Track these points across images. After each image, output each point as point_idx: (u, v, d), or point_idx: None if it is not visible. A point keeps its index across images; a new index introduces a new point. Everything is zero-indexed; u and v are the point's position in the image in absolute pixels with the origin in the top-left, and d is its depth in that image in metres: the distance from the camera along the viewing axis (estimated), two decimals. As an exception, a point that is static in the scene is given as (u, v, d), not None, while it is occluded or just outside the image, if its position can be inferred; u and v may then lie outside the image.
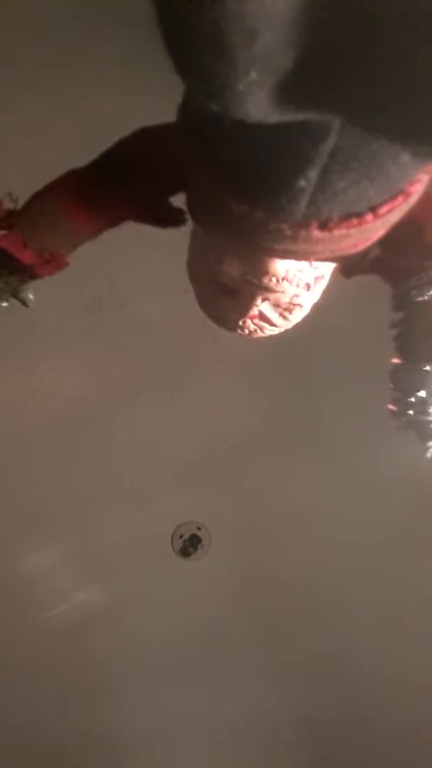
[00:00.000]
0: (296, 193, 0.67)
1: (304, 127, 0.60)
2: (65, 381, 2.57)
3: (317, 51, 0.51)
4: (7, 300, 1.03)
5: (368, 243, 0.80)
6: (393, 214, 0.74)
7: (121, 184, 0.94)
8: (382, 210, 0.72)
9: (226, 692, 2.86)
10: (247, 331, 0.93)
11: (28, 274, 0.99)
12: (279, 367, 2.47)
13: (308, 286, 0.86)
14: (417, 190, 0.74)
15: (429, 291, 0.99)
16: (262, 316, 0.89)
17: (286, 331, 0.95)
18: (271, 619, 2.79)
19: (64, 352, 2.52)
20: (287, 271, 0.82)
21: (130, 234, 1.01)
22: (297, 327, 0.95)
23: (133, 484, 2.65)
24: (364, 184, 0.67)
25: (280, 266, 0.81)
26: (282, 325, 0.93)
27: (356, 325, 2.12)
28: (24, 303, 1.04)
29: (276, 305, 0.88)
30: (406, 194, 0.73)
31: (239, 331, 0.94)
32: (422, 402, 1.05)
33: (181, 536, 2.75)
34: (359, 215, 0.71)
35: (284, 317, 0.91)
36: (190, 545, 2.75)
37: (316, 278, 0.86)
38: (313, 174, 0.65)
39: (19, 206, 0.98)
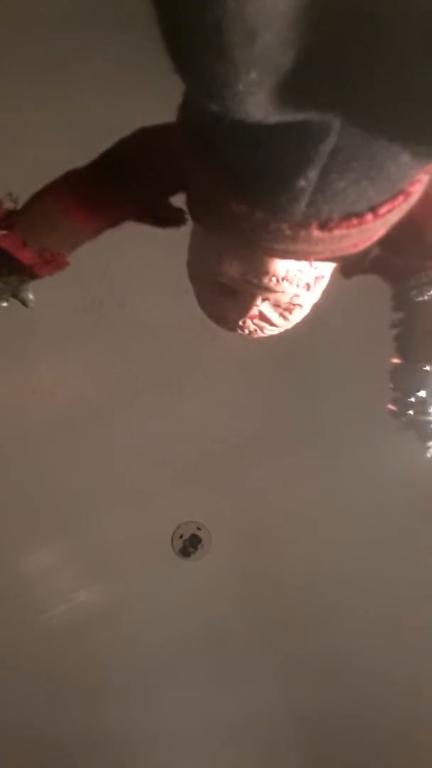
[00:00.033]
0: (296, 193, 0.67)
1: (304, 127, 0.60)
2: (65, 381, 2.57)
3: (317, 51, 0.51)
4: (7, 300, 1.03)
5: (368, 243, 0.80)
6: (393, 214, 0.74)
7: (121, 184, 0.94)
8: (382, 210, 0.72)
9: (226, 692, 2.86)
10: (247, 331, 0.93)
11: (28, 274, 0.99)
12: (279, 367, 2.47)
13: (308, 286, 0.86)
14: (417, 190, 0.74)
15: (429, 291, 0.99)
16: (262, 316, 0.89)
17: (286, 331, 0.95)
18: (271, 619, 2.79)
19: (64, 352, 2.52)
20: (287, 271, 0.82)
21: (130, 234, 1.01)
22: (297, 327, 0.95)
23: (133, 484, 2.65)
24: (364, 184, 0.67)
25: (280, 266, 0.81)
26: (282, 325, 0.93)
27: (356, 325, 2.11)
28: (24, 303, 1.04)
29: (276, 305, 0.88)
30: (406, 194, 0.73)
31: (239, 331, 0.94)
32: (422, 402, 1.05)
33: (181, 536, 2.75)
34: (359, 215, 0.71)
35: (284, 317, 0.91)
36: (190, 545, 2.75)
37: (316, 278, 0.86)
38: (313, 174, 0.65)
39: (19, 206, 0.98)
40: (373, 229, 0.75)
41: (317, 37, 0.50)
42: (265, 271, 0.81)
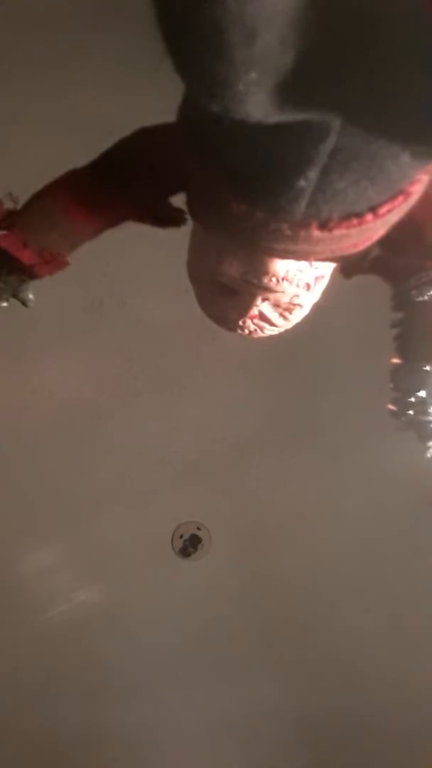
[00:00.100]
0: (296, 193, 0.67)
1: (304, 127, 0.60)
2: (65, 381, 2.57)
3: (317, 51, 0.51)
4: (7, 300, 1.03)
5: (368, 243, 0.80)
6: (393, 214, 0.74)
7: (121, 184, 0.94)
8: (382, 210, 0.72)
9: (226, 692, 2.86)
10: (247, 331, 0.93)
11: (28, 274, 0.99)
12: (279, 367, 2.47)
13: (308, 286, 0.86)
14: (417, 190, 0.74)
15: (429, 291, 0.99)
16: (262, 316, 0.89)
17: (286, 331, 0.95)
18: (271, 619, 2.79)
19: (64, 352, 2.52)
20: (287, 271, 0.82)
21: (130, 234, 1.01)
22: (297, 327, 0.95)
23: (133, 484, 2.65)
24: (364, 184, 0.67)
25: (280, 266, 0.81)
26: (282, 325, 0.93)
27: (356, 325, 2.12)
28: (24, 303, 1.04)
29: (276, 305, 0.88)
30: (406, 194, 0.73)
31: (239, 331, 0.94)
32: (422, 402, 1.05)
33: (181, 536, 2.75)
34: (359, 215, 0.71)
35: (284, 317, 0.91)
36: (190, 545, 2.75)
37: (316, 278, 0.86)
38: (313, 174, 0.65)
39: (19, 206, 0.98)
40: (373, 229, 0.75)
41: (317, 37, 0.50)
42: (265, 271, 0.81)
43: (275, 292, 0.84)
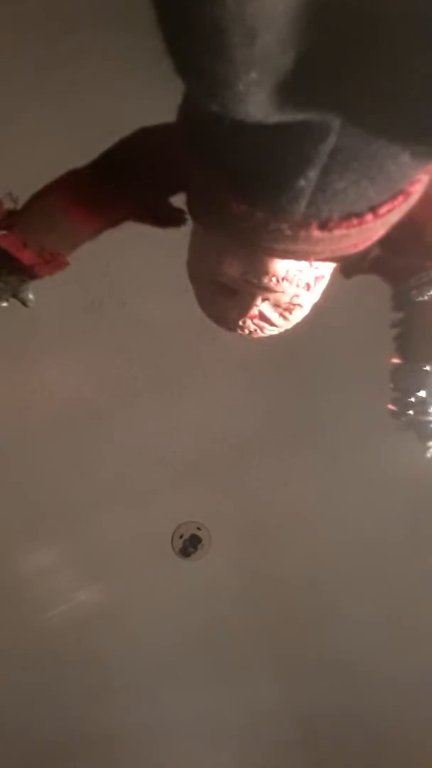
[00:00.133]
0: (296, 193, 0.67)
1: (304, 127, 0.60)
2: (65, 381, 2.57)
3: (317, 51, 0.51)
4: (7, 300, 1.03)
5: (368, 243, 0.79)
6: (393, 214, 0.74)
7: (121, 184, 0.94)
8: (382, 210, 0.72)
9: (226, 692, 2.86)
10: (247, 331, 0.93)
11: (28, 274, 0.99)
12: (279, 367, 2.47)
13: (308, 286, 0.86)
14: (417, 190, 0.74)
15: (429, 291, 0.99)
16: (262, 316, 0.89)
17: (286, 331, 0.95)
18: (271, 619, 2.79)
19: (64, 352, 2.52)
20: (287, 271, 0.82)
21: (130, 234, 1.01)
22: (297, 327, 0.95)
23: (133, 484, 2.65)
24: (364, 184, 0.67)
25: (280, 266, 0.81)
26: (282, 325, 0.93)
27: (356, 325, 2.12)
28: (24, 303, 1.04)
29: (276, 305, 0.88)
30: (406, 194, 0.73)
31: (239, 331, 0.94)
32: (422, 402, 1.06)
33: (181, 536, 2.75)
34: (359, 215, 0.71)
35: (284, 317, 0.91)
36: (190, 545, 2.75)
37: (316, 278, 0.86)
38: (313, 174, 0.65)
39: (19, 206, 0.98)
40: (373, 229, 0.75)
41: (317, 37, 0.50)
42: (265, 271, 0.81)
43: (275, 292, 0.84)
